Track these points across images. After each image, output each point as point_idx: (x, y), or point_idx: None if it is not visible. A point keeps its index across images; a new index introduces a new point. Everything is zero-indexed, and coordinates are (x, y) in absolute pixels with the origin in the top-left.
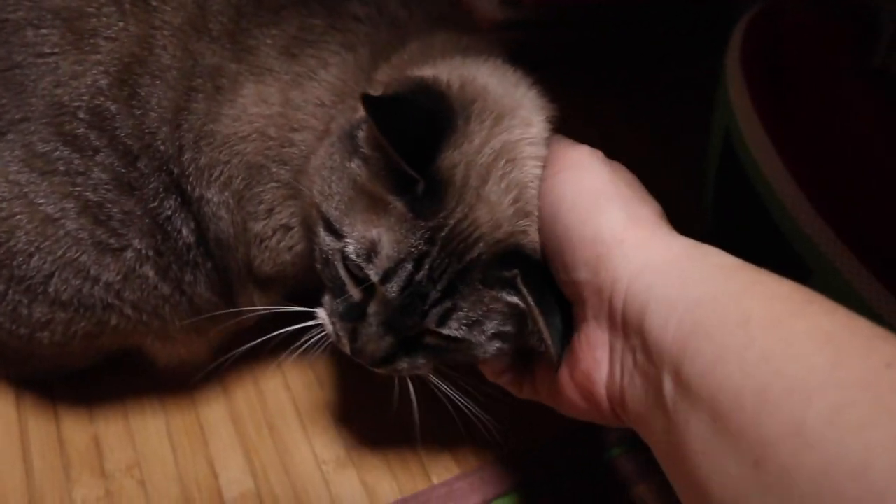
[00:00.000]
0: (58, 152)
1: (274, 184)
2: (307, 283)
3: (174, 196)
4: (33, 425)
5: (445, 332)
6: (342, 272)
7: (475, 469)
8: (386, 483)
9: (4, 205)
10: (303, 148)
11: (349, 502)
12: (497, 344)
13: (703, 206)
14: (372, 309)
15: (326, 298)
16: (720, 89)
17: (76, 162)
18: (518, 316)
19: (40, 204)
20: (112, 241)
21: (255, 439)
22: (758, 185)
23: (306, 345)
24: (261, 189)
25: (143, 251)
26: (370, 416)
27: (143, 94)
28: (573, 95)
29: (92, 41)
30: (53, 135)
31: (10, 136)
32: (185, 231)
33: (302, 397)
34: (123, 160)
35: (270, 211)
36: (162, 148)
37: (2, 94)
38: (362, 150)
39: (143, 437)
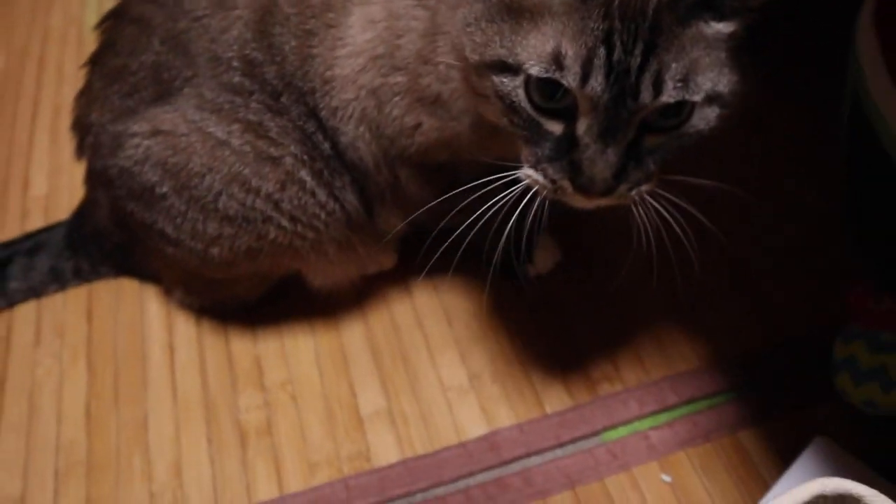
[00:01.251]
0: (222, 97)
1: (397, 97)
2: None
3: (313, 120)
4: (209, 346)
5: (664, 99)
6: (531, 110)
7: (587, 402)
8: (503, 409)
9: (183, 137)
10: (410, 49)
11: (468, 423)
12: (716, 110)
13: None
14: (582, 128)
15: (525, 154)
16: (851, 54)
17: (237, 101)
18: (729, 59)
19: (211, 131)
20: (272, 149)
21: (389, 366)
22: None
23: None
24: (389, 108)
25: (299, 156)
26: (491, 348)
27: (276, 42)
28: None
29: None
30: (216, 85)
31: (185, 91)
32: (327, 145)
33: (432, 331)
34: (272, 96)
35: (403, 119)
36: (300, 85)
37: (175, 58)
38: None
39: (296, 359)
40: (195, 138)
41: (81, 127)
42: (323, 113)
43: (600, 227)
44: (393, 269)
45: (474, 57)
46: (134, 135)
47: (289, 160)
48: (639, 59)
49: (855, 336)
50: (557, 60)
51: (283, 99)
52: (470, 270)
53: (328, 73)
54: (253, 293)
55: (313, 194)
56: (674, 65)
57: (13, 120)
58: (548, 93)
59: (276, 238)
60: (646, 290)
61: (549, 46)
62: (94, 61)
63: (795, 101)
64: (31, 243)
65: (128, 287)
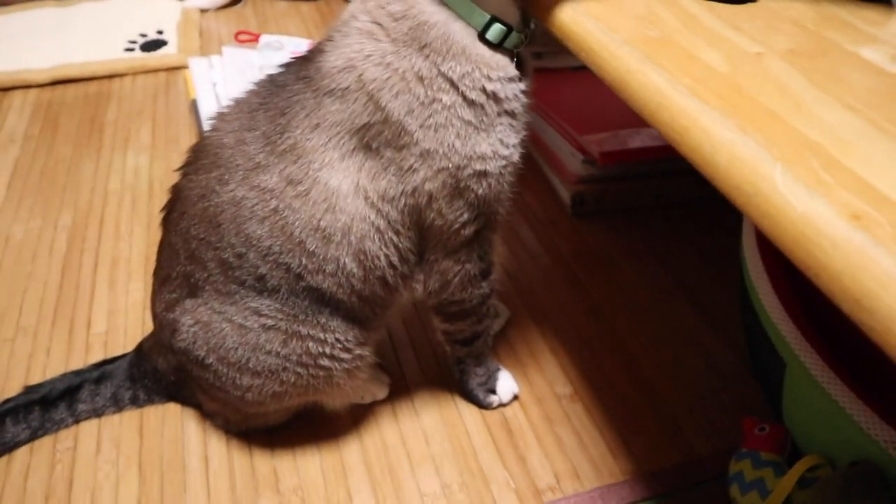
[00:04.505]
0: (230, 288)
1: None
2: None
3: (296, 285)
4: (237, 458)
5: None
6: None
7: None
8: None
9: (216, 325)
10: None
11: None
12: None
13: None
14: None
15: None
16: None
17: (241, 291)
18: None
19: (233, 319)
20: (269, 321)
21: (378, 476)
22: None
23: None
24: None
25: (290, 317)
26: (459, 463)
27: (254, 237)
28: (649, 238)
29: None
30: (224, 279)
31: (206, 288)
32: (305, 302)
33: (413, 448)
34: (259, 281)
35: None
36: (287, 260)
37: (195, 267)
38: None
39: (305, 469)
40: (225, 325)
41: (153, 314)
42: (315, 256)
43: (549, 363)
44: (383, 399)
45: None
46: (183, 324)
47: (283, 324)
48: None
49: (744, 455)
50: None
51: (269, 281)
52: (445, 398)
53: (318, 223)
54: (280, 420)
55: (310, 338)
56: None
57: (79, 268)
58: None
59: (295, 381)
60: (583, 417)
61: None
62: (155, 272)
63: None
64: (98, 373)
65: (172, 410)
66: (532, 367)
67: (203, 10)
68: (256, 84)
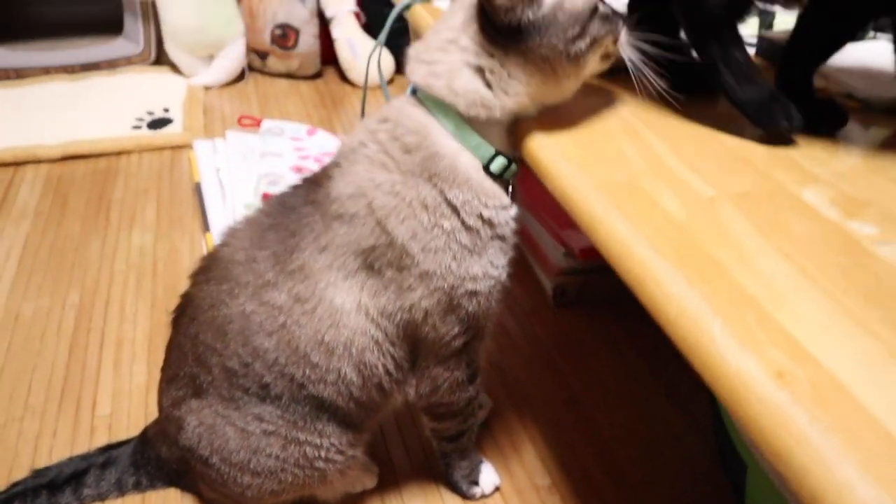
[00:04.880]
0: (234, 394)
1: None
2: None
3: (297, 393)
4: None
5: None
6: (606, 8)
7: None
8: None
9: (219, 428)
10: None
11: None
12: None
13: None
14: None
15: (622, 37)
16: None
17: (245, 398)
18: None
19: (235, 423)
20: (270, 427)
21: None
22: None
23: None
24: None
25: (290, 423)
26: None
27: (260, 349)
28: (628, 329)
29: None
30: (229, 385)
31: (210, 391)
32: (304, 408)
33: None
34: (263, 388)
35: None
36: (291, 371)
37: (200, 370)
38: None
39: None
40: (228, 429)
41: (159, 407)
42: (318, 367)
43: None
44: (372, 488)
45: (576, 30)
46: (188, 423)
47: (283, 430)
48: None
49: None
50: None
51: (273, 390)
52: (431, 488)
53: (322, 338)
54: None
55: (308, 443)
56: None
57: (85, 348)
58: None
59: (292, 481)
60: None
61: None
62: (163, 369)
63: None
64: (104, 458)
65: (173, 495)
66: (513, 458)
67: (207, 87)
68: (266, 205)
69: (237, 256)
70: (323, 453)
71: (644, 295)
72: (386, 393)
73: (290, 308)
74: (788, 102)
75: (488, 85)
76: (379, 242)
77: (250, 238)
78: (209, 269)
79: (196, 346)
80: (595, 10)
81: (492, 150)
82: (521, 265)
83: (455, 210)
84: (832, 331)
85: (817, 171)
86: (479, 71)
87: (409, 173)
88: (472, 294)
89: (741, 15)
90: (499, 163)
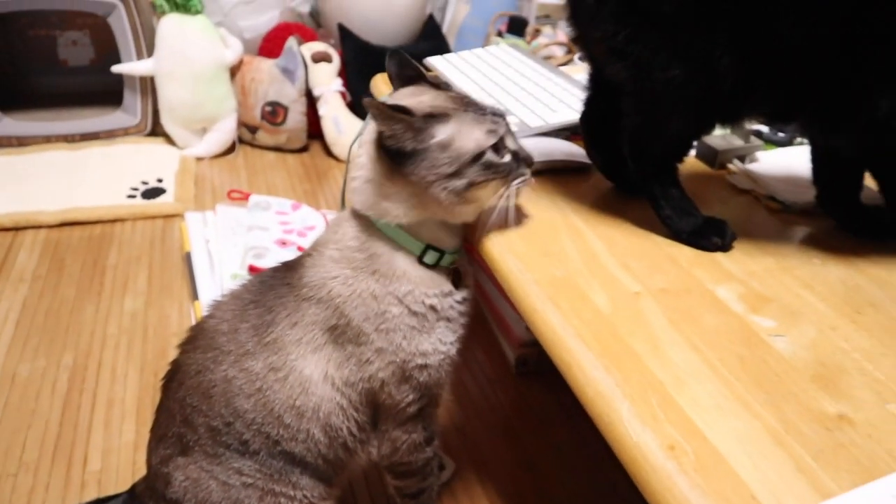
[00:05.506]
0: (217, 450)
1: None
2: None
3: (273, 449)
4: None
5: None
6: (499, 161)
7: None
8: None
9: (203, 482)
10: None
11: None
12: None
13: None
14: (509, 143)
15: (505, 183)
16: None
17: (227, 453)
18: None
19: (218, 477)
20: (248, 479)
21: None
22: None
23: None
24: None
25: (266, 476)
26: None
27: (240, 410)
28: None
29: None
30: (213, 443)
31: (196, 448)
32: (278, 462)
33: None
34: (242, 444)
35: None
36: (267, 430)
37: (187, 429)
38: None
39: None
40: (211, 482)
41: (148, 464)
42: (290, 427)
43: None
44: None
45: (454, 167)
46: (175, 478)
47: (260, 482)
48: (487, 107)
49: None
50: (489, 131)
51: (251, 446)
52: None
53: (294, 402)
54: None
55: (283, 494)
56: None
57: (78, 409)
58: (498, 145)
59: None
60: None
61: (476, 133)
62: (152, 430)
63: None
64: None
65: None
66: None
67: (199, 158)
68: (249, 282)
69: (221, 327)
70: None
71: (570, 377)
72: (350, 451)
73: (266, 375)
74: (721, 223)
75: (388, 197)
76: (339, 322)
77: (233, 311)
78: (196, 338)
79: (183, 409)
80: (478, 156)
81: (421, 246)
82: (486, 336)
83: (399, 300)
84: (721, 411)
85: (733, 269)
86: (378, 186)
87: (360, 269)
88: (423, 367)
89: (679, 158)
90: (431, 256)
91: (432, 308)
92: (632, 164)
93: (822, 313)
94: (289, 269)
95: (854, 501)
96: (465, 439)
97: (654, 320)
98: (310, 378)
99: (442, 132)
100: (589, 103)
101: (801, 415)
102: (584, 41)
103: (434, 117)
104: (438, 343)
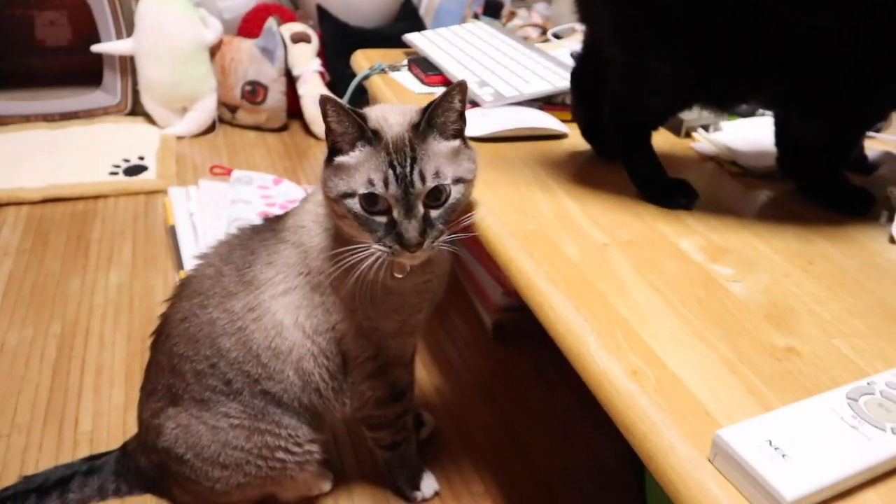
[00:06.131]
0: (205, 394)
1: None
2: None
3: (255, 389)
4: None
5: (428, 185)
6: (366, 214)
7: None
8: None
9: (193, 428)
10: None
11: None
12: (461, 188)
13: None
14: (395, 213)
15: (370, 239)
16: None
17: (213, 397)
18: (461, 156)
19: (207, 421)
20: (234, 420)
21: None
22: None
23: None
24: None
25: (251, 415)
26: None
27: (224, 349)
28: (556, 360)
29: None
30: (200, 388)
31: (185, 397)
32: (260, 402)
33: None
34: (227, 384)
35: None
36: (248, 369)
37: (176, 379)
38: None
39: None
40: (201, 427)
41: (139, 420)
42: (268, 367)
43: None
44: (327, 492)
45: (331, 195)
46: (167, 427)
47: (247, 422)
48: (409, 168)
49: None
50: (370, 181)
51: (234, 385)
52: (378, 492)
53: (270, 343)
54: None
55: (268, 432)
56: (428, 166)
57: (67, 374)
58: (371, 201)
59: (256, 473)
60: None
61: (363, 177)
62: (142, 387)
63: None
64: (87, 467)
65: (149, 500)
66: (451, 469)
67: (180, 138)
68: (239, 229)
69: (207, 272)
70: (282, 443)
71: (542, 316)
72: (324, 399)
73: (244, 315)
74: (686, 184)
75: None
76: (307, 270)
77: (219, 255)
78: (183, 287)
79: (171, 359)
80: (345, 195)
81: None
82: (464, 302)
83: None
84: (680, 343)
85: (695, 225)
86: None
87: (323, 228)
88: (375, 329)
89: (655, 127)
90: None
91: (381, 283)
92: (609, 125)
93: (776, 263)
94: (278, 218)
95: (796, 412)
96: (444, 399)
97: (621, 268)
98: (282, 322)
99: (356, 152)
100: (580, 61)
101: (753, 347)
102: (584, 16)
103: (371, 133)
104: (392, 312)
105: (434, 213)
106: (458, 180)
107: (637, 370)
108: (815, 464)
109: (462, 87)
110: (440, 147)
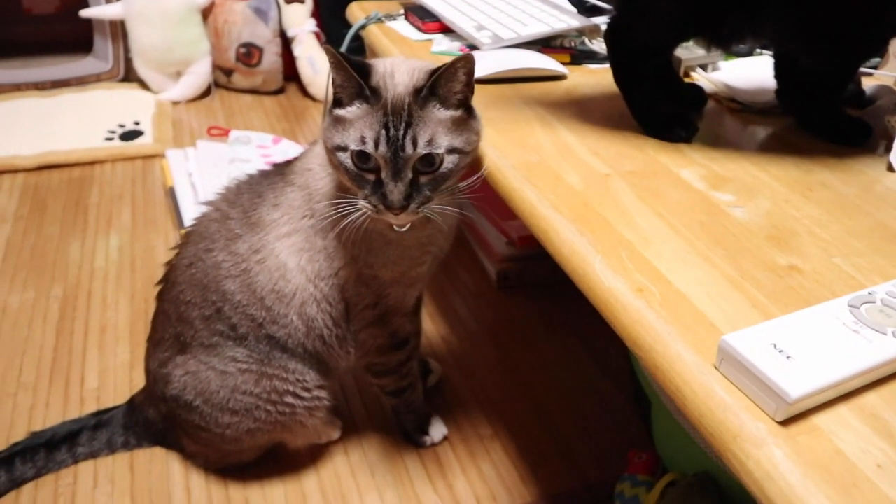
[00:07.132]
0: (213, 339)
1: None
2: None
3: (261, 334)
4: (214, 489)
5: (420, 151)
6: (356, 170)
7: None
8: None
9: (202, 374)
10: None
11: None
12: (455, 157)
13: None
14: (382, 174)
15: (360, 196)
16: None
17: (221, 342)
18: (459, 127)
19: (215, 366)
20: (243, 365)
21: (332, 501)
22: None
23: (355, 219)
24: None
25: (259, 360)
26: (399, 492)
27: (229, 292)
28: (561, 306)
29: None
30: (209, 333)
31: (194, 344)
32: (265, 346)
33: (361, 480)
34: (233, 329)
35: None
36: (252, 313)
37: (183, 327)
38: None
39: (272, 498)
40: (210, 373)
41: (147, 371)
42: (272, 310)
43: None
44: (336, 440)
45: (328, 145)
46: (175, 376)
47: (255, 366)
48: (402, 132)
49: (625, 479)
50: (363, 138)
51: (239, 329)
52: (388, 438)
53: (273, 286)
54: (251, 458)
55: (276, 377)
56: (423, 133)
57: (71, 335)
58: (363, 159)
59: (265, 418)
60: (500, 453)
61: (357, 133)
62: (149, 338)
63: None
64: (95, 421)
65: (158, 452)
66: (460, 413)
67: (175, 103)
68: (248, 175)
69: (213, 215)
70: (291, 388)
71: (547, 242)
72: (328, 346)
73: (249, 257)
74: (685, 117)
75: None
76: (311, 212)
77: (226, 199)
78: (189, 236)
79: (178, 306)
80: (339, 148)
81: None
82: (468, 252)
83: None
84: (684, 262)
85: (695, 156)
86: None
87: (328, 171)
88: (375, 278)
89: (654, 59)
90: None
91: (380, 233)
92: (609, 55)
93: (776, 190)
94: (288, 161)
95: (800, 318)
96: (451, 348)
97: (623, 196)
98: (285, 264)
99: (354, 108)
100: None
101: (755, 266)
102: None
103: (370, 91)
104: (391, 263)
105: (424, 179)
106: (453, 150)
107: (642, 287)
108: (818, 365)
109: (468, 59)
110: (440, 115)
